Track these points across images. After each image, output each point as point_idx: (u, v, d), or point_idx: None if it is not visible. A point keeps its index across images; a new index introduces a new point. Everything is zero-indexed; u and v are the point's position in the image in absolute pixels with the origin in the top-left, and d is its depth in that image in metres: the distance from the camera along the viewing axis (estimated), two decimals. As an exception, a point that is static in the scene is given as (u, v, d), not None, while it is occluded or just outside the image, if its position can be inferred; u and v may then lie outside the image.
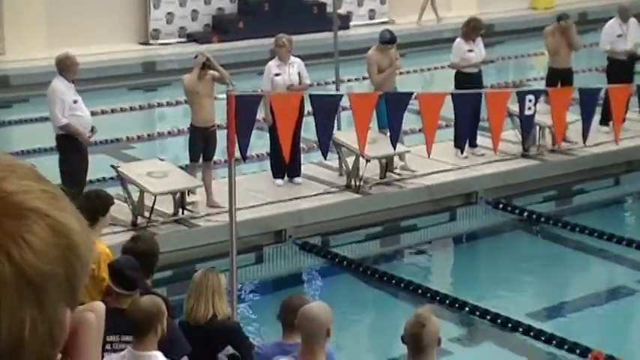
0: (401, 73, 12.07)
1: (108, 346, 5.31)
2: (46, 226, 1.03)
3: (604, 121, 12.92)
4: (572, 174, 12.61)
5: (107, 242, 7.58)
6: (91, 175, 10.54)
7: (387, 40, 11.92)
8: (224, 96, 7.69)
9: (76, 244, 1.05)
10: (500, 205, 11.84)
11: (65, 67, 10.00)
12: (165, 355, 5.27)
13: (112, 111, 15.53)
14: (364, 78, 17.62)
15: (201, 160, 10.73)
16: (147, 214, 10.18)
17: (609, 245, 10.82)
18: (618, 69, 13.17)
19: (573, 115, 11.42)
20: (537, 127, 12.42)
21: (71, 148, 9.97)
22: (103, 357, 5.32)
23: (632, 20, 13.52)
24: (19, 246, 1.00)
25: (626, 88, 9.37)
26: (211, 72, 10.46)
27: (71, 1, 18.08)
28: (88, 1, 18.31)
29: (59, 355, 1.05)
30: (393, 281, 9.86)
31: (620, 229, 11.27)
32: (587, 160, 12.70)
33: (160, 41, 19.10)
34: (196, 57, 10.63)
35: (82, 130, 10.01)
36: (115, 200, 10.13)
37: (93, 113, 11.11)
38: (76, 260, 1.05)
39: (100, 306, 1.10)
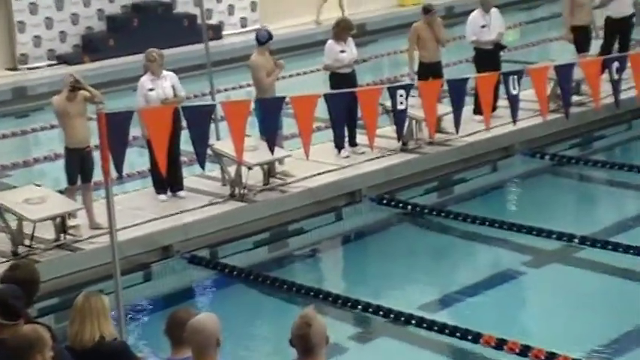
0: (277, 79, 12.08)
1: None
2: None
3: (477, 110, 13.23)
4: (451, 164, 12.87)
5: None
6: (-35, 208, 10.22)
7: (267, 38, 11.90)
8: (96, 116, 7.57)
9: None
10: (385, 201, 11.99)
11: None
12: None
13: (-16, 140, 15.13)
14: (240, 87, 17.65)
15: (79, 182, 10.53)
16: (27, 242, 9.93)
17: (493, 231, 11.07)
18: (485, 59, 13.50)
19: (446, 107, 11.67)
20: (414, 121, 12.64)
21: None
22: None
23: (494, 10, 13.89)
24: None
25: (493, 76, 9.62)
26: (82, 92, 10.29)
27: None
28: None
29: None
30: (285, 286, 9.87)
31: (502, 214, 11.55)
32: (464, 150, 12.98)
33: (28, 65, 18.69)
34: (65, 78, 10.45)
35: None
36: (-7, 231, 9.97)
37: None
38: None
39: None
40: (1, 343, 5.12)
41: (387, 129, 12.55)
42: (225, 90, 17.02)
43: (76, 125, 10.32)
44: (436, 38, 13.25)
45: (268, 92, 11.54)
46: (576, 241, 10.59)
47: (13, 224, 9.98)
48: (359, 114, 10.81)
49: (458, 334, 8.64)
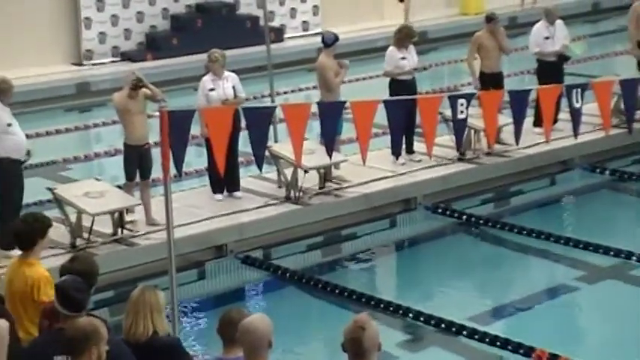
0: (342, 82, 12.12)
1: None
2: None
3: (537, 123, 13.12)
4: (508, 175, 12.78)
5: (46, 265, 7.47)
6: (27, 198, 10.41)
7: (333, 40, 11.95)
8: (158, 113, 7.66)
9: None
10: (440, 210, 11.94)
11: (1, 90, 9.89)
12: None
13: (48, 133, 15.38)
14: (300, 89, 17.72)
15: (138, 178, 10.66)
16: (85, 235, 10.08)
17: (548, 244, 10.97)
18: (548, 70, 13.38)
19: (506, 118, 11.58)
20: (472, 131, 12.57)
21: (7, 172, 9.84)
22: None
23: (559, 22, 13.77)
24: None
25: (555, 88, 9.50)
26: (143, 90, 10.43)
27: (1, 24, 17.87)
28: (20, 23, 18.12)
29: None
30: (337, 291, 9.89)
31: (558, 228, 11.44)
32: (522, 162, 12.88)
33: (93, 61, 18.97)
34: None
35: (13, 153, 9.87)
36: (53, 222, 10.12)
37: (28, 136, 10.98)
38: None
39: (1, 324, 1.09)
40: (59, 333, 5.21)
41: (444, 138, 12.51)
42: (285, 93, 17.10)
43: (135, 122, 10.46)
44: (500, 47, 13.17)
45: (335, 94, 11.58)
46: (634, 258, 10.44)
47: (73, 217, 10.14)
48: (417, 121, 10.79)
49: (510, 347, 8.58)
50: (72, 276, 5.64)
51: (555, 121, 12.77)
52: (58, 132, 15.62)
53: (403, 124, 9.64)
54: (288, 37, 20.84)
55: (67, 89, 17.69)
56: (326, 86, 11.86)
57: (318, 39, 12.76)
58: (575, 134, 10.49)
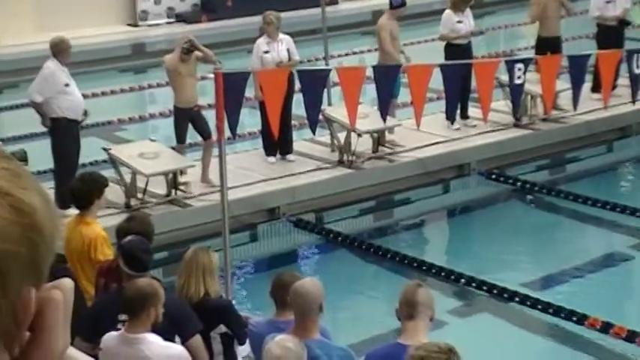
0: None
1: (120, 325, 5.29)
2: (6, 205, 1.01)
3: (595, 89, 12.89)
4: (564, 142, 12.60)
5: (103, 225, 7.57)
6: (82, 159, 10.51)
7: (400, 3, 11.85)
8: (212, 75, 7.66)
9: (39, 222, 1.03)
10: (494, 176, 11.84)
11: (60, 50, 9.97)
12: (178, 334, 5.25)
13: (103, 93, 15.50)
14: (354, 53, 17.61)
15: (191, 140, 10.70)
16: (140, 195, 10.17)
17: (603, 212, 10.82)
18: (608, 35, 13.13)
19: (564, 83, 11.41)
20: (528, 97, 12.40)
21: (64, 131, 9.94)
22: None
23: (620, -15, 13.47)
24: None
25: (615, 53, 9.34)
26: (195, 53, 10.42)
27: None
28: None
29: (27, 334, 1.04)
30: (388, 255, 9.87)
31: (614, 196, 11.27)
32: (579, 128, 12.70)
33: (148, 22, 19.01)
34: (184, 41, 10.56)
35: (70, 113, 9.96)
36: (109, 183, 10.23)
37: (84, 96, 11.06)
38: (39, 239, 1.03)
39: (67, 283, 1.08)
40: (123, 292, 5.27)
41: (499, 103, 12.35)
42: (339, 56, 17.01)
43: (186, 85, 10.49)
44: (564, 6, 12.90)
45: (391, 57, 11.45)
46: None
47: (128, 177, 10.22)
48: (473, 86, 10.68)
49: (562, 315, 8.50)
50: (137, 236, 5.69)
51: (614, 87, 12.55)
52: (113, 92, 15.73)
53: (458, 89, 9.56)
54: (343, 0, 20.69)
55: (122, 50, 17.78)
56: (381, 48, 11.76)
57: (373, 2, 12.64)
58: (634, 100, 10.30)
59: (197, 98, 10.62)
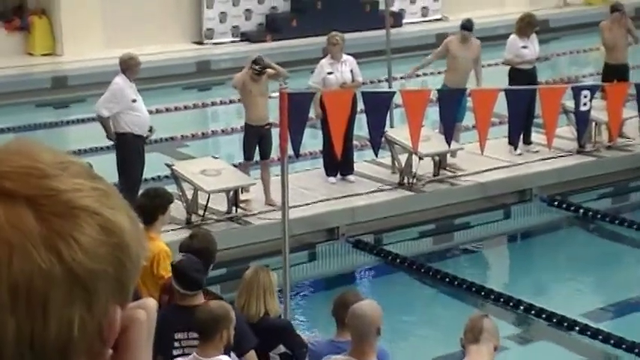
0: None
1: (176, 344, 5.32)
2: (95, 225, 1.02)
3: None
4: (629, 170, 12.41)
5: (165, 239, 7.64)
6: (146, 174, 10.63)
7: (464, 24, 11.89)
8: (277, 94, 7.70)
9: (126, 242, 1.04)
10: (556, 203, 11.70)
11: (128, 66, 10.12)
12: (233, 350, 5.26)
13: (167, 110, 15.66)
14: (417, 75, 17.55)
15: (258, 158, 10.76)
16: (201, 211, 10.24)
17: (667, 243, 10.63)
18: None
19: (630, 111, 11.25)
20: (593, 124, 12.25)
21: (129, 147, 10.06)
22: (170, 354, 5.33)
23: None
24: (69, 245, 0.99)
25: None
26: (267, 71, 10.46)
27: (127, 1, 18.26)
28: (143, 1, 18.47)
29: (110, 352, 1.05)
30: (447, 279, 9.79)
31: (678, 227, 11.07)
32: (644, 157, 12.50)
33: (213, 40, 19.20)
34: (255, 62, 10.58)
35: (136, 128, 10.08)
36: (171, 198, 10.32)
37: (148, 112, 11.20)
38: (126, 258, 1.04)
39: (151, 303, 1.09)
40: (185, 310, 5.29)
41: (563, 129, 12.21)
42: (402, 78, 16.98)
43: (257, 103, 10.54)
44: (631, 34, 12.75)
45: (459, 78, 11.40)
46: None
47: (189, 193, 10.30)
48: (536, 112, 10.59)
49: (623, 346, 8.35)
50: (189, 255, 5.72)
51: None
52: (177, 109, 15.89)
53: (523, 114, 9.49)
54: (407, 23, 20.69)
55: (187, 67, 17.97)
56: (447, 65, 11.72)
57: (437, 25, 12.62)
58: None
59: (268, 116, 10.65)
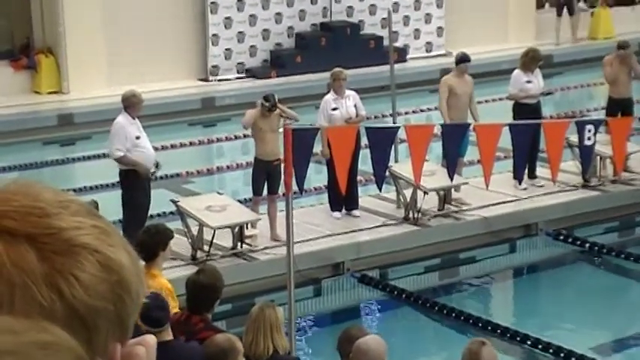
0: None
1: None
2: (96, 262, 1.03)
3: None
4: (634, 204, 12.39)
5: (169, 276, 7.63)
6: (151, 210, 10.64)
7: (459, 59, 11.89)
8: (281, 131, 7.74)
9: (126, 279, 1.05)
10: (561, 237, 11.68)
11: (131, 104, 10.15)
12: None
13: (172, 146, 15.71)
14: (421, 110, 17.63)
15: (265, 193, 10.78)
16: (206, 247, 10.24)
17: (674, 276, 10.59)
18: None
19: (634, 145, 11.28)
20: (598, 158, 12.26)
21: (134, 184, 10.07)
22: None
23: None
24: (69, 283, 1.01)
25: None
26: (278, 109, 10.52)
27: (131, 39, 18.39)
28: (148, 39, 18.60)
29: None
30: (453, 314, 9.76)
31: (684, 260, 11.03)
32: (649, 190, 12.48)
33: (218, 77, 19.30)
34: (266, 99, 10.61)
35: (141, 163, 10.10)
36: (175, 234, 10.32)
37: (154, 148, 11.23)
38: (126, 295, 1.05)
39: (151, 340, 1.10)
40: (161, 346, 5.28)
41: (568, 163, 12.23)
42: (406, 113, 17.04)
43: (267, 139, 10.60)
44: (629, 72, 12.80)
45: (459, 113, 11.39)
46: None
47: (195, 229, 10.30)
48: (541, 146, 10.61)
49: (630, 381, 8.30)
50: (154, 294, 5.72)
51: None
52: (182, 145, 15.94)
53: (527, 149, 9.50)
54: (411, 58, 20.80)
55: (192, 104, 18.05)
56: (448, 104, 11.72)
57: (441, 60, 12.68)
58: None
59: (279, 152, 10.67)
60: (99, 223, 1.07)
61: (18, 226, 1.02)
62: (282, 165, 9.88)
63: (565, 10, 21.87)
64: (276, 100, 10.58)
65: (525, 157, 9.92)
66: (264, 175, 10.65)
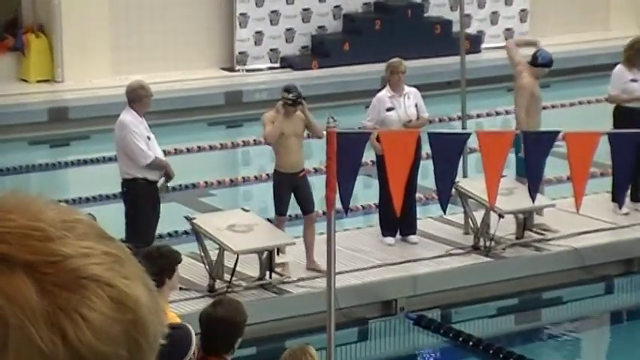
0: (544, 108, 11.95)
1: None
2: (107, 299, 1.04)
3: None
4: None
5: (180, 311, 7.69)
6: (160, 228, 10.72)
7: (547, 61, 11.79)
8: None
9: (142, 318, 1.06)
10: (671, 276, 11.62)
11: (137, 98, 10.24)
12: None
13: (188, 150, 15.82)
14: (497, 113, 17.63)
15: (294, 212, 10.81)
16: (227, 276, 10.29)
17: None
18: None
19: None
20: None
21: (141, 195, 10.15)
22: None
23: None
24: (75, 323, 1.02)
25: None
26: (300, 112, 10.52)
27: (140, 18, 18.50)
28: (161, 18, 18.67)
29: None
30: (532, 368, 9.75)
31: None
32: None
33: (247, 67, 19.38)
34: (287, 90, 10.65)
35: (148, 173, 10.19)
36: (190, 260, 10.41)
37: (165, 153, 11.33)
38: (142, 338, 1.06)
39: None
40: None
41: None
42: (478, 116, 17.04)
43: (289, 146, 10.59)
44: None
45: (527, 124, 11.38)
46: None
47: (213, 254, 10.37)
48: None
49: None
50: (180, 326, 5.75)
51: None
52: (200, 149, 16.04)
53: (631, 164, 9.43)
54: (487, 48, 20.79)
55: (214, 98, 18.15)
56: (516, 114, 11.70)
57: (525, 51, 12.65)
58: None
59: (303, 162, 10.72)
60: (112, 249, 1.07)
61: (14, 251, 1.02)
62: (318, 177, 9.95)
63: None
64: (300, 92, 10.56)
65: (628, 175, 9.83)
66: (289, 191, 10.67)
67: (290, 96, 10.48)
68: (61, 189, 14.66)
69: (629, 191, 11.81)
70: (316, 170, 13.23)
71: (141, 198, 10.17)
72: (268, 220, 11.17)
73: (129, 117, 10.25)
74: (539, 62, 11.83)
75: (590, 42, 20.96)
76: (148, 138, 10.25)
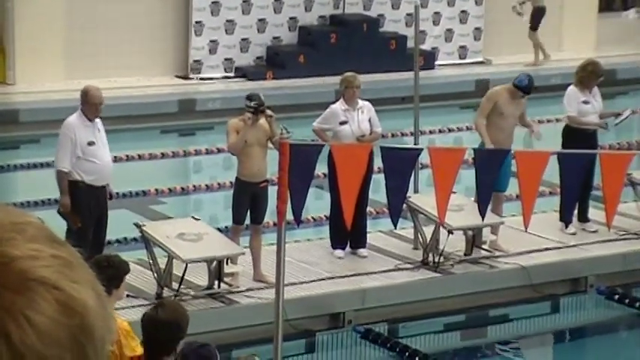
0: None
1: None
2: (54, 302, 1.03)
3: None
4: None
5: (127, 317, 7.67)
6: (109, 235, 10.66)
7: (520, 84, 11.77)
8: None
9: (90, 323, 1.05)
10: (616, 296, 11.70)
11: (87, 101, 10.17)
12: None
13: (139, 157, 15.75)
14: (450, 130, 17.72)
15: (248, 222, 10.80)
16: (175, 285, 10.27)
17: None
18: None
19: None
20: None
21: (80, 199, 10.06)
22: None
23: None
24: (19, 326, 1.01)
25: None
26: (264, 121, 10.49)
27: (96, 24, 18.43)
28: (117, 25, 18.61)
29: None
30: (477, 384, 9.81)
31: None
32: None
33: (201, 75, 19.36)
34: (249, 98, 10.63)
35: (89, 177, 10.07)
36: (139, 267, 10.38)
37: (116, 159, 11.29)
38: (88, 343, 1.05)
39: None
40: None
41: (629, 205, 12.29)
42: (431, 132, 17.11)
43: (252, 155, 10.58)
44: None
45: (503, 136, 11.40)
46: None
47: (162, 262, 10.34)
48: (596, 183, 10.66)
49: None
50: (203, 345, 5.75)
51: None
52: (152, 157, 15.98)
53: (579, 185, 9.54)
54: (441, 65, 20.91)
55: (167, 106, 18.10)
56: (489, 122, 11.72)
57: (477, 69, 12.74)
58: None
59: (265, 172, 10.71)
60: (62, 252, 1.07)
61: None
62: (270, 187, 9.95)
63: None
64: (263, 101, 10.55)
65: (576, 195, 9.96)
66: (249, 200, 10.67)
67: (252, 104, 10.48)
68: (9, 193, 14.55)
69: (576, 211, 11.95)
70: (267, 181, 13.23)
71: (81, 202, 10.05)
72: (218, 229, 11.16)
73: (72, 118, 10.21)
74: (514, 82, 11.88)
75: (540, 62, 21.12)
76: (90, 144, 10.11)
